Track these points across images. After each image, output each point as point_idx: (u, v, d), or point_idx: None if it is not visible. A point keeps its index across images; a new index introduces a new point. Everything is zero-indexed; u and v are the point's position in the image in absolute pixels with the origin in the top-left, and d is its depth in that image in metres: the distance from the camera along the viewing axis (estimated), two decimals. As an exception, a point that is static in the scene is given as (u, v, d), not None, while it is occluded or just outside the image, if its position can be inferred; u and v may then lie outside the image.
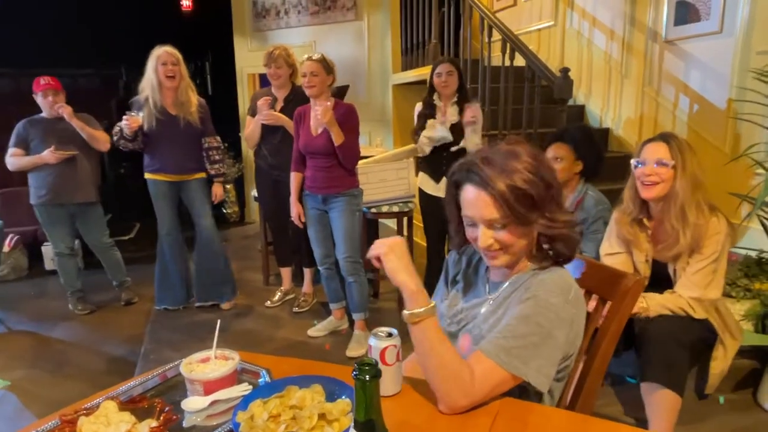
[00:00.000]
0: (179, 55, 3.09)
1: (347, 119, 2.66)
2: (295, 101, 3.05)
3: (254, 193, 3.61)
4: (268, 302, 3.50)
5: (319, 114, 2.52)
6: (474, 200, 0.99)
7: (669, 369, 1.63)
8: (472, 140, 2.90)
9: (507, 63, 3.58)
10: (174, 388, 1.02)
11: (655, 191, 1.73)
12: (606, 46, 4.15)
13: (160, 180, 3.18)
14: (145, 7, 7.53)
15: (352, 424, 0.53)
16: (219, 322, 1.10)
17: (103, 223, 3.66)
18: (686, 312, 1.69)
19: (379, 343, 0.95)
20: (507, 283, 1.07)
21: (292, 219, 2.95)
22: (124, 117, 2.98)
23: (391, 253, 1.00)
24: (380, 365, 0.95)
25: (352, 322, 2.96)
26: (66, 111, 3.26)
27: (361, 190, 2.85)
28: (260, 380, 1.00)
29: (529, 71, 3.39)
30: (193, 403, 0.92)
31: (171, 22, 8.08)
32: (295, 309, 3.37)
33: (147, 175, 3.20)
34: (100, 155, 3.57)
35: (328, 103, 2.57)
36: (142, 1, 7.47)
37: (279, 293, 3.55)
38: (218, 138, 3.33)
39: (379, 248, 1.01)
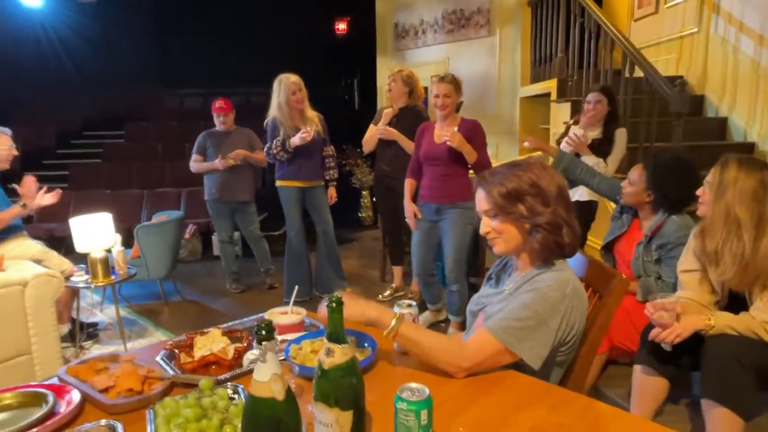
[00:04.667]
0: (301, 81, 3.59)
1: (474, 135, 2.82)
2: (404, 117, 3.40)
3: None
4: (380, 296, 3.90)
5: (448, 141, 2.70)
6: (477, 196, 1.29)
7: (729, 388, 1.61)
8: (588, 159, 2.99)
9: (627, 75, 3.53)
10: (262, 330, 1.42)
11: (699, 210, 1.79)
12: (754, 53, 3.80)
13: (293, 186, 3.69)
14: (305, 31, 8.60)
15: (326, 335, 0.84)
16: (297, 288, 1.49)
17: (256, 219, 4.41)
18: (758, 335, 1.65)
19: (400, 310, 1.23)
20: (519, 277, 1.29)
21: (407, 219, 3.19)
22: (301, 133, 3.45)
23: (345, 305, 0.99)
24: (399, 327, 1.23)
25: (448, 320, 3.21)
26: (233, 158, 3.99)
27: None
28: (318, 331, 1.35)
29: (646, 84, 3.31)
30: (269, 339, 1.31)
31: (326, 45, 9.09)
32: (402, 304, 3.72)
33: (280, 183, 3.70)
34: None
35: (455, 128, 2.75)
36: (302, 27, 8.54)
37: (390, 289, 3.93)
38: (332, 147, 3.84)
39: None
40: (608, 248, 2.58)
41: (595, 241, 3.22)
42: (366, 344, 1.21)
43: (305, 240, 3.87)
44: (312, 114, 3.67)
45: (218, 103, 4.15)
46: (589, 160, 2.96)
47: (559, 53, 4.62)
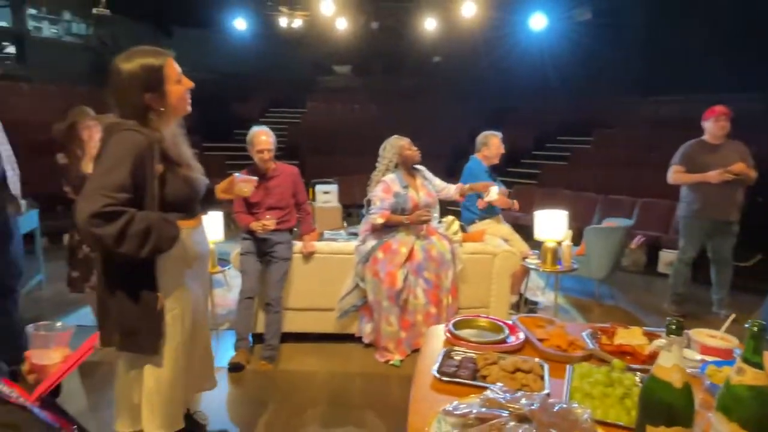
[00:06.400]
0: None
1: None
2: None
3: None
4: None
5: None
6: None
7: None
8: None
9: None
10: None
11: None
12: None
13: None
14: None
15: (741, 357, 0.85)
16: (733, 315, 1.42)
17: (733, 242, 3.88)
18: None
19: None
20: None
21: None
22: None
23: None
24: None
25: None
26: (733, 171, 3.64)
27: None
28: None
29: None
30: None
31: None
32: None
33: None
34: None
35: None
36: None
37: None
38: None
39: None
40: None
41: None
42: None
43: None
44: None
45: (717, 110, 3.78)
46: None
47: None
